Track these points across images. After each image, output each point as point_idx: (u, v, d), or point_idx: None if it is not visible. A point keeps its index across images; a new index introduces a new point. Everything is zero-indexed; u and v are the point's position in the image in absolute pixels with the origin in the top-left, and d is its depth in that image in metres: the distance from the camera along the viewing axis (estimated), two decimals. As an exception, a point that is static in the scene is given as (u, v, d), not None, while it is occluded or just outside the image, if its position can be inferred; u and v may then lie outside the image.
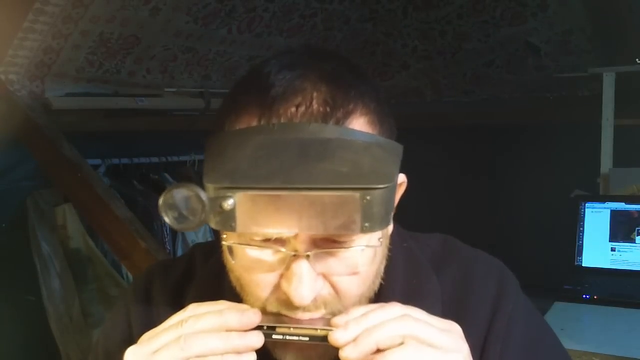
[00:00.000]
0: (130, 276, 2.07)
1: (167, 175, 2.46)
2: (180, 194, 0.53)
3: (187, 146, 2.51)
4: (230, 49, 2.59)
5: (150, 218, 2.25)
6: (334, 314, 0.59)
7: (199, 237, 2.44)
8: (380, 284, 0.69)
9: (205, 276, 0.74)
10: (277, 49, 2.70)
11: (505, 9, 2.65)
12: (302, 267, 0.56)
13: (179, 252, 2.40)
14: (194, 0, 2.26)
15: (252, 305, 0.60)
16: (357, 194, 0.52)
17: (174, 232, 2.42)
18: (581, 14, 2.53)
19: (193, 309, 0.59)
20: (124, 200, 2.03)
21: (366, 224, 0.53)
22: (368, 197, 0.52)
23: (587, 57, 2.61)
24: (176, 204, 0.54)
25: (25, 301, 2.13)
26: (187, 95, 2.59)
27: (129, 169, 2.37)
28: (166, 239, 2.38)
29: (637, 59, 2.22)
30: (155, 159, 2.45)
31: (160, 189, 2.37)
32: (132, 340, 0.61)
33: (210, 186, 0.54)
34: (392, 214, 0.59)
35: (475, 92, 3.02)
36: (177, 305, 0.68)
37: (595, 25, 2.54)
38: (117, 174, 2.32)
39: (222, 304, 0.59)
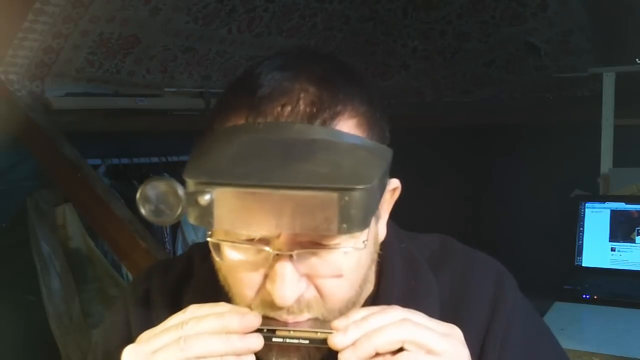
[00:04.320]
0: (130, 276, 2.07)
1: (167, 175, 2.45)
2: (157, 188, 0.54)
3: (187, 146, 2.48)
4: (230, 49, 2.59)
5: (150, 218, 2.25)
6: (318, 319, 0.60)
7: (199, 236, 2.44)
8: (379, 285, 0.69)
9: (203, 276, 0.74)
10: (277, 49, 2.70)
11: (505, 9, 2.65)
12: (285, 267, 0.56)
13: (179, 252, 2.40)
14: (194, 0, 2.26)
15: (239, 305, 0.60)
16: (335, 195, 0.51)
17: (174, 232, 2.42)
18: (581, 14, 2.53)
19: (193, 311, 0.59)
20: (124, 200, 2.03)
21: (344, 225, 0.52)
22: (346, 198, 0.51)
23: (587, 57, 2.61)
24: (152, 198, 0.54)
25: (25, 301, 2.13)
26: (187, 95, 2.59)
27: (129, 169, 2.37)
28: (166, 239, 2.38)
29: (637, 59, 2.22)
30: (155, 159, 2.46)
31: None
32: (130, 340, 0.61)
33: (189, 181, 0.54)
34: (374, 217, 0.58)
35: (475, 92, 3.03)
36: (176, 305, 0.68)
37: (595, 25, 2.54)
38: (117, 174, 2.32)
39: (223, 307, 0.59)
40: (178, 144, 2.51)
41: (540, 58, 2.74)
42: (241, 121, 0.59)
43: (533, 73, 2.82)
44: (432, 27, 2.88)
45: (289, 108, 0.57)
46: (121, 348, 0.59)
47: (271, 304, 0.58)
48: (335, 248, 0.58)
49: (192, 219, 0.54)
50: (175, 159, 2.52)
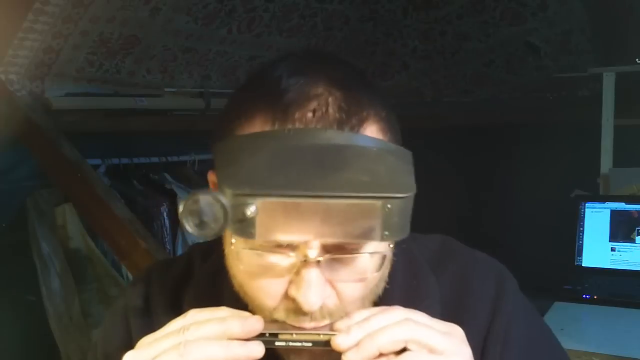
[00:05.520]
0: (130, 276, 2.07)
1: (167, 175, 2.46)
2: (202, 201, 0.53)
3: (187, 146, 2.51)
4: (230, 49, 2.59)
5: (150, 218, 2.25)
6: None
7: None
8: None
9: (203, 277, 0.73)
10: (277, 49, 2.71)
11: (505, 9, 2.65)
12: (312, 273, 0.56)
13: (179, 252, 2.40)
14: (194, 0, 2.26)
15: (257, 313, 0.60)
16: (378, 203, 0.52)
17: (174, 232, 2.42)
18: (581, 14, 2.53)
19: (194, 315, 0.58)
20: (124, 200, 2.03)
21: (386, 233, 0.53)
22: (389, 206, 0.52)
23: (587, 57, 2.61)
24: (199, 210, 0.53)
25: (25, 301, 2.13)
26: (187, 95, 2.59)
27: (129, 169, 2.37)
28: (166, 239, 2.38)
29: (637, 59, 2.22)
30: (155, 159, 2.45)
31: (160, 189, 2.39)
32: (130, 341, 0.61)
33: (229, 191, 0.53)
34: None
35: (475, 92, 3.02)
36: (176, 306, 0.68)
37: (595, 25, 2.54)
38: (117, 174, 2.32)
39: (224, 311, 0.59)
40: (178, 144, 2.51)
41: (540, 58, 2.74)
42: (267, 127, 0.58)
43: (533, 73, 2.82)
44: (432, 27, 2.88)
45: (319, 114, 0.57)
46: (121, 350, 0.59)
47: (295, 311, 0.58)
48: (362, 253, 0.58)
49: (232, 230, 0.54)
50: (175, 159, 2.52)
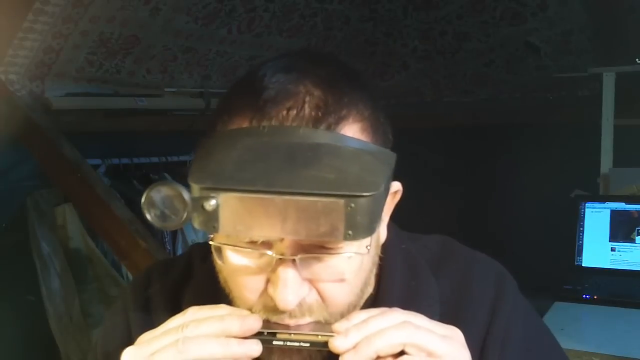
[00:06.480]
0: (130, 276, 2.07)
1: (167, 175, 2.46)
2: (162, 192, 0.53)
3: (187, 146, 2.51)
4: (230, 49, 2.60)
5: (150, 218, 2.24)
6: (320, 321, 0.60)
7: (199, 237, 2.44)
8: (379, 286, 0.69)
9: (203, 277, 0.74)
10: (277, 49, 2.71)
11: (505, 9, 2.65)
12: (287, 271, 0.56)
13: (179, 252, 2.40)
14: (194, 0, 2.26)
15: (239, 308, 0.60)
16: (341, 201, 0.51)
17: (174, 232, 2.42)
18: (581, 14, 2.53)
19: (193, 313, 0.59)
20: (124, 200, 2.03)
21: (349, 232, 0.52)
22: (352, 205, 0.51)
23: (587, 57, 2.61)
24: (157, 202, 0.53)
25: (25, 301, 2.13)
26: (187, 95, 2.59)
27: (129, 169, 2.37)
28: (166, 239, 2.38)
29: (637, 59, 2.22)
30: (155, 159, 2.45)
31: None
32: (130, 341, 0.61)
33: (194, 186, 0.54)
34: (379, 223, 0.58)
35: (475, 92, 3.02)
36: (175, 306, 0.68)
37: (595, 25, 2.54)
38: (117, 174, 2.32)
39: (223, 309, 0.59)
40: (178, 144, 2.51)
41: (540, 58, 2.74)
42: (245, 124, 0.58)
43: (533, 73, 2.82)
44: (432, 27, 2.88)
45: (294, 112, 0.57)
46: (121, 349, 0.59)
47: (273, 308, 0.58)
48: (338, 253, 0.58)
49: (196, 224, 0.54)
50: (175, 159, 2.52)
